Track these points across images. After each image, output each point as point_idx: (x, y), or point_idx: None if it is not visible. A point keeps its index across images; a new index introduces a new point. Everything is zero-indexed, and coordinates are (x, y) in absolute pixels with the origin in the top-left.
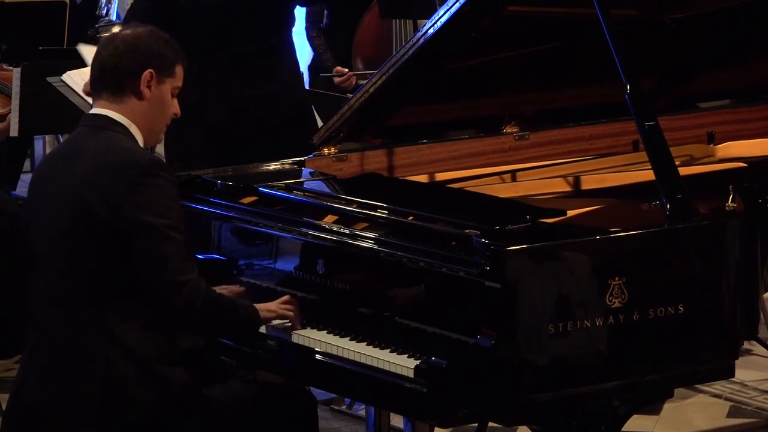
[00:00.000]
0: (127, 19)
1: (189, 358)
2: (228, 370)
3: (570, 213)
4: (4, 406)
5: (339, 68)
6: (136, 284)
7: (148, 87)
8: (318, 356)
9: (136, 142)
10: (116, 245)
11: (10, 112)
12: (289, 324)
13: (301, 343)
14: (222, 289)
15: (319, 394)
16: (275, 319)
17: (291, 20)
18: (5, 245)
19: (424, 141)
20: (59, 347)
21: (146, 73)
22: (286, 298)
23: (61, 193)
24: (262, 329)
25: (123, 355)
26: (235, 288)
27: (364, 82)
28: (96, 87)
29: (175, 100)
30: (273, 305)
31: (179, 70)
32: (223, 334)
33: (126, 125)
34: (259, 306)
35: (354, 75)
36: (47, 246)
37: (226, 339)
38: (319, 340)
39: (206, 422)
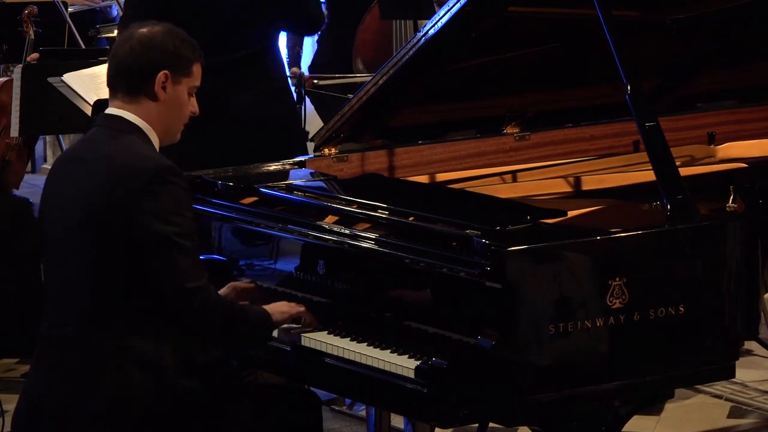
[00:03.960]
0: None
1: (202, 369)
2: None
3: (571, 213)
4: (4, 407)
5: (295, 69)
6: (146, 291)
7: (163, 88)
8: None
9: (152, 144)
10: (125, 251)
11: None
12: (305, 327)
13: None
14: (230, 288)
15: (319, 394)
16: (288, 321)
17: (278, 28)
18: (10, 244)
19: (425, 141)
20: (66, 346)
21: (161, 75)
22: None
23: (74, 195)
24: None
25: (132, 361)
26: (243, 284)
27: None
28: (112, 86)
29: (193, 99)
30: (284, 306)
31: (197, 69)
32: (235, 343)
33: (141, 127)
34: (270, 308)
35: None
36: (58, 246)
37: (240, 348)
38: (319, 340)
39: (212, 424)
